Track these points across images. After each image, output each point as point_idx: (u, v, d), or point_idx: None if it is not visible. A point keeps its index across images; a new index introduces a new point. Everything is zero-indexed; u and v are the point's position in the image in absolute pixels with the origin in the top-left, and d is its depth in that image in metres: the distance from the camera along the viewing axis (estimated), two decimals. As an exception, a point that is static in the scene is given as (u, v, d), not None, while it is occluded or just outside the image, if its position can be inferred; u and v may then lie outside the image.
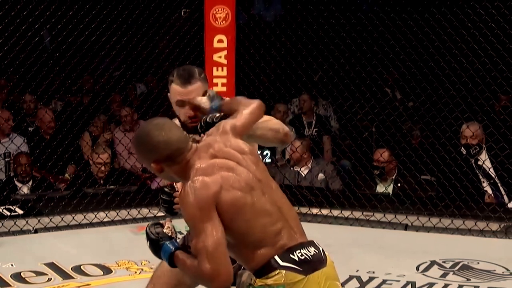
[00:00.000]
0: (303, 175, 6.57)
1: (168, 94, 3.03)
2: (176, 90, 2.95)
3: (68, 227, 5.83)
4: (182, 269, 2.42)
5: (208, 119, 2.74)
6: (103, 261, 4.98)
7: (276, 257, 2.37)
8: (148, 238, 2.48)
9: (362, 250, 5.27)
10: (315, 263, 2.40)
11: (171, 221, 2.63)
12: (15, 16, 5.90)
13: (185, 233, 3.33)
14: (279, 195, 2.47)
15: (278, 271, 2.36)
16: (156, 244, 2.46)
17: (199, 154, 2.43)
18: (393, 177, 6.30)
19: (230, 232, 2.35)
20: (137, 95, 7.92)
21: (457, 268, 4.88)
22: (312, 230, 2.50)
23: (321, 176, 6.54)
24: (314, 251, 2.42)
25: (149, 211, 6.11)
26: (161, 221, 2.59)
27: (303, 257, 2.38)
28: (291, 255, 2.38)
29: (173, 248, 2.42)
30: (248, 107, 2.62)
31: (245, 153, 2.49)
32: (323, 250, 2.46)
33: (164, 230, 2.50)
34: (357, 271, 4.77)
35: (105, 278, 4.74)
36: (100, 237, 5.67)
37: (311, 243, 2.45)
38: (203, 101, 2.80)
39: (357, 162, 6.45)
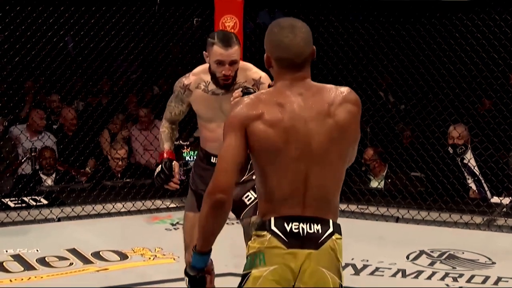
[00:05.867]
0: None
1: (205, 53, 3.25)
2: (217, 51, 3.20)
3: (89, 216, 5.86)
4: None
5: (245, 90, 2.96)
6: (120, 247, 5.01)
7: (272, 219, 2.17)
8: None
9: (357, 240, 5.24)
10: (305, 241, 2.15)
11: None
12: (42, 23, 5.94)
13: None
14: (324, 165, 2.21)
15: (265, 232, 2.17)
16: None
17: (287, 83, 2.22)
18: (384, 174, 6.32)
19: (255, 164, 2.20)
20: (153, 96, 7.94)
21: (444, 257, 4.90)
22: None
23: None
24: (316, 229, 2.17)
25: (162, 202, 6.15)
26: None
27: (296, 231, 2.15)
28: (285, 224, 2.16)
29: None
30: None
31: (328, 117, 2.21)
32: (330, 234, 2.19)
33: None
34: (352, 259, 4.79)
35: (122, 263, 4.77)
36: (118, 226, 5.70)
37: (321, 221, 2.18)
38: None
39: (352, 160, 6.44)
